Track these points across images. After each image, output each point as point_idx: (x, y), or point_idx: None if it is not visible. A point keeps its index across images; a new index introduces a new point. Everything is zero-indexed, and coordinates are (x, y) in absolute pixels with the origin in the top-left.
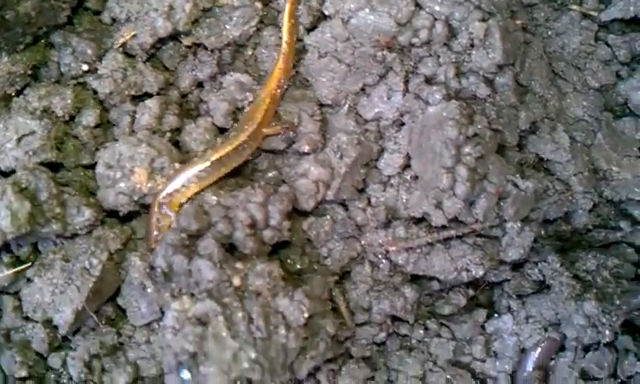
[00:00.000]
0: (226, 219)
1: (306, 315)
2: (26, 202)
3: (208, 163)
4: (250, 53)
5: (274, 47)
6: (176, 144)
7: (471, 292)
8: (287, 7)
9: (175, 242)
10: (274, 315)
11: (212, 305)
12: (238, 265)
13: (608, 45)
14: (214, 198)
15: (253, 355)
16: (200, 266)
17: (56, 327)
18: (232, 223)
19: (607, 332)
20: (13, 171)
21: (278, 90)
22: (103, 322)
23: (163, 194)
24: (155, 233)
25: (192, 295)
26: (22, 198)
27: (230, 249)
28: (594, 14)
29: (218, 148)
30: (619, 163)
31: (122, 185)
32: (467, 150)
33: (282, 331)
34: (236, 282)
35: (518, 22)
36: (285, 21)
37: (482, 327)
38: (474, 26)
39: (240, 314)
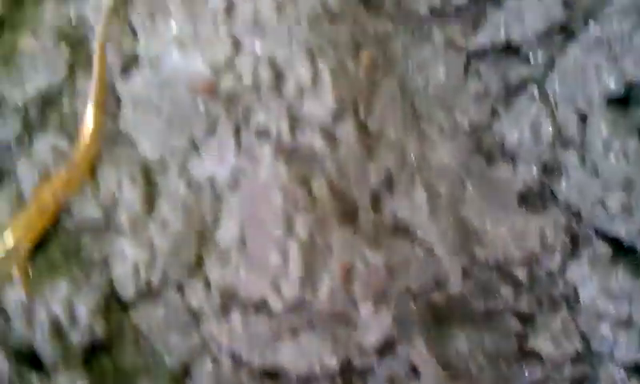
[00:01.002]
0: (27, 324)
1: None
2: None
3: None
4: (56, 107)
5: (84, 98)
6: None
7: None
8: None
9: None
10: None
11: None
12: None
13: (479, 77)
14: (14, 293)
15: None
16: None
17: None
18: (32, 328)
19: None
20: None
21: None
22: None
23: None
24: None
25: None
26: None
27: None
28: (461, 42)
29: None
30: (494, 217)
31: None
32: (301, 220)
33: None
34: None
35: (365, 58)
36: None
37: None
38: (300, 70)
39: None
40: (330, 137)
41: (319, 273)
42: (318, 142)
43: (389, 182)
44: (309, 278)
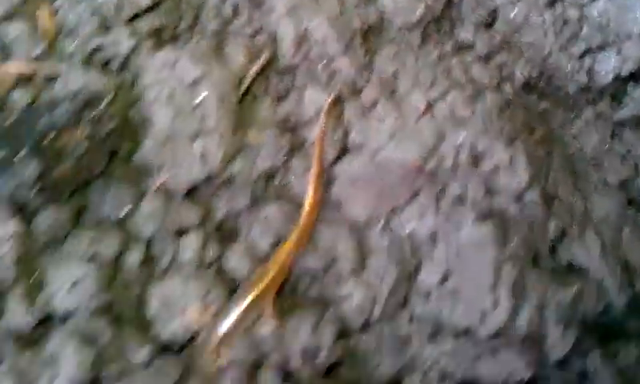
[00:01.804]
0: (280, 348)
1: None
2: (91, 348)
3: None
4: (278, 182)
5: (302, 175)
6: (219, 271)
7: None
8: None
9: (237, 377)
10: None
11: None
12: None
13: (622, 141)
14: (266, 328)
15: None
16: None
17: None
18: (286, 352)
19: None
20: (68, 316)
21: (290, 257)
22: None
23: (218, 333)
24: (213, 369)
25: None
26: (84, 345)
27: (286, 376)
28: (608, 113)
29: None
30: None
31: (176, 322)
32: (507, 269)
33: None
34: None
35: (538, 135)
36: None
37: None
38: (499, 153)
39: None
40: (520, 201)
41: (521, 306)
42: (511, 207)
43: (563, 234)
44: (514, 311)
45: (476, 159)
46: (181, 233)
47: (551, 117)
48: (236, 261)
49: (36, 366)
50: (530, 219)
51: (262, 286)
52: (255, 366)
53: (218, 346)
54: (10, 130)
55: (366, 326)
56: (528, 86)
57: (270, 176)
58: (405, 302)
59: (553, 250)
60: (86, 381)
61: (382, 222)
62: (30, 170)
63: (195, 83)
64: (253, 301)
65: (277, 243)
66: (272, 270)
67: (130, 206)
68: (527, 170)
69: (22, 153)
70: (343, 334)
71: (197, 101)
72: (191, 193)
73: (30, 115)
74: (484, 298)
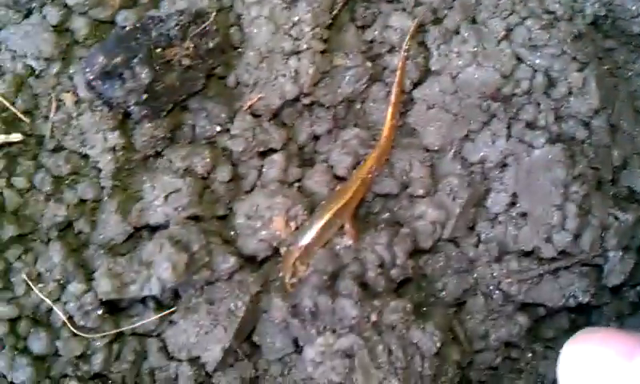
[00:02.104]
0: (357, 261)
1: (438, 345)
2: (183, 253)
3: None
4: (359, 107)
5: (381, 101)
6: (301, 189)
7: (572, 316)
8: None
9: (318, 284)
10: (410, 346)
11: (356, 339)
12: (375, 302)
13: None
14: (344, 241)
15: None
16: (343, 305)
17: (202, 365)
18: (363, 264)
19: None
20: (161, 226)
21: (369, 176)
22: (240, 358)
23: (299, 245)
24: (293, 279)
25: (334, 331)
26: (179, 250)
27: (362, 287)
28: None
29: (331, 206)
30: None
31: (263, 233)
32: (574, 188)
33: (418, 361)
34: (373, 317)
35: (606, 67)
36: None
37: None
38: (573, 76)
39: (380, 347)
40: (588, 127)
41: (584, 227)
42: (580, 131)
43: (625, 163)
44: (578, 231)
45: (550, 83)
46: (266, 153)
47: (616, 54)
48: (316, 181)
49: (131, 269)
50: (596, 145)
51: (342, 201)
52: (334, 276)
53: (299, 256)
54: (126, 39)
55: (434, 246)
56: (595, 25)
57: (351, 101)
58: (473, 226)
59: (615, 177)
60: (176, 284)
61: (455, 148)
62: (141, 77)
63: (293, 2)
64: (334, 215)
65: (354, 166)
66: (353, 187)
67: (222, 125)
68: (597, 94)
69: (136, 60)
70: (414, 253)
71: (294, 19)
72: (278, 115)
73: (144, 27)
74: (551, 217)
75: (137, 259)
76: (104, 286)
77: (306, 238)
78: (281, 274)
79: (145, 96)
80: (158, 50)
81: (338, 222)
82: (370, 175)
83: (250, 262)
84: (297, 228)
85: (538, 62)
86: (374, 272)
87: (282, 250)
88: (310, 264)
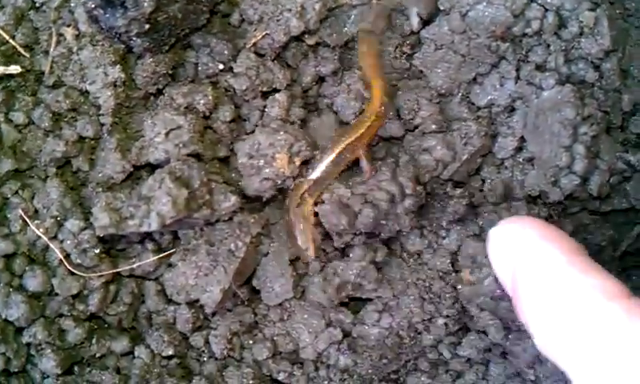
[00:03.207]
0: (368, 204)
1: None
2: (183, 189)
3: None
4: None
5: (386, 41)
6: (304, 127)
7: None
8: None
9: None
10: None
11: None
12: None
13: None
14: (347, 190)
15: None
16: None
17: (200, 307)
18: (375, 205)
19: None
20: (161, 164)
21: (382, 109)
22: (239, 302)
23: (309, 178)
24: (301, 226)
25: None
26: (179, 185)
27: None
28: None
29: (344, 139)
30: None
31: (267, 171)
32: (583, 129)
33: None
34: None
35: (617, 11)
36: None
37: None
38: (584, 16)
39: None
40: (599, 70)
41: (592, 170)
42: (590, 74)
43: (635, 109)
44: (586, 174)
45: (561, 23)
46: (270, 93)
47: (627, 1)
48: (320, 123)
49: (130, 203)
50: (606, 88)
51: (356, 134)
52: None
53: (309, 189)
54: None
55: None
56: None
57: (356, 40)
58: (476, 171)
59: (624, 123)
60: (175, 219)
61: (462, 91)
62: (143, 5)
63: None
64: (346, 148)
65: (361, 111)
66: (366, 122)
67: (224, 63)
68: (609, 34)
69: None
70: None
71: None
72: (282, 55)
73: None
74: (559, 158)
75: (136, 194)
76: (102, 220)
77: (318, 171)
78: (287, 204)
79: (147, 26)
80: None
81: (349, 156)
82: (382, 107)
83: (251, 202)
84: (302, 163)
85: (549, 0)
86: (387, 206)
87: (292, 184)
88: (319, 195)
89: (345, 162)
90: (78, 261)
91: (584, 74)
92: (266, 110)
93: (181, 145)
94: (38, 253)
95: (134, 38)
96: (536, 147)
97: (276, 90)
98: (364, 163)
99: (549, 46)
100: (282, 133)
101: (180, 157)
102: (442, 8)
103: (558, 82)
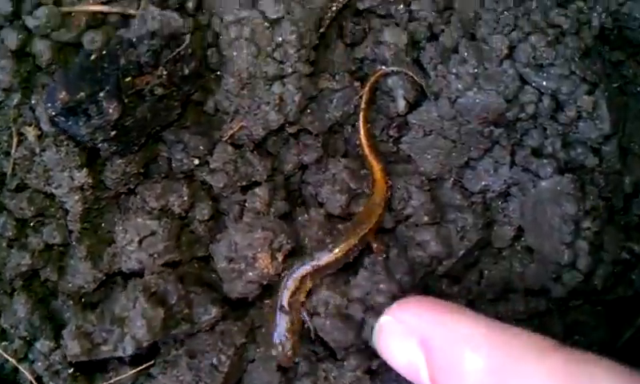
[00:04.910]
0: (370, 311)
1: None
2: (159, 309)
3: (331, 257)
4: (349, 131)
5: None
6: (286, 220)
7: None
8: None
9: None
10: None
11: None
12: None
13: None
14: (343, 299)
15: None
16: None
17: None
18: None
19: None
20: (135, 273)
21: (389, 193)
22: None
23: (288, 295)
24: (290, 337)
25: None
26: (155, 304)
27: None
28: None
29: (339, 244)
30: None
31: (250, 274)
32: (586, 224)
33: None
34: None
35: (615, 85)
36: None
37: None
38: (582, 100)
39: None
40: (598, 154)
41: (596, 264)
42: (589, 159)
43: (636, 189)
44: (591, 269)
45: (557, 107)
46: (250, 186)
47: (624, 68)
48: (307, 219)
49: (102, 327)
50: (607, 172)
51: (373, 220)
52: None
53: (312, 273)
54: (91, 69)
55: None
56: (602, 36)
57: (340, 124)
58: (474, 262)
59: (625, 204)
60: (153, 340)
61: (453, 176)
62: (109, 112)
63: (276, 21)
64: (361, 239)
65: (349, 204)
66: (377, 210)
67: (200, 158)
68: (609, 118)
69: (102, 93)
70: None
71: (277, 40)
72: (262, 144)
73: (112, 54)
74: (561, 256)
75: (109, 315)
76: (73, 349)
77: (326, 258)
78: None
79: (113, 133)
80: (128, 79)
81: (361, 246)
82: (389, 193)
83: (233, 308)
84: (285, 258)
85: (544, 83)
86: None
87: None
88: (316, 283)
89: (354, 253)
90: (51, 383)
91: (583, 158)
92: (247, 204)
93: (155, 255)
94: (7, 374)
95: (100, 144)
96: (535, 240)
97: (256, 183)
98: (375, 245)
99: (545, 129)
100: (259, 230)
101: (155, 268)
102: (428, 94)
103: (556, 171)
